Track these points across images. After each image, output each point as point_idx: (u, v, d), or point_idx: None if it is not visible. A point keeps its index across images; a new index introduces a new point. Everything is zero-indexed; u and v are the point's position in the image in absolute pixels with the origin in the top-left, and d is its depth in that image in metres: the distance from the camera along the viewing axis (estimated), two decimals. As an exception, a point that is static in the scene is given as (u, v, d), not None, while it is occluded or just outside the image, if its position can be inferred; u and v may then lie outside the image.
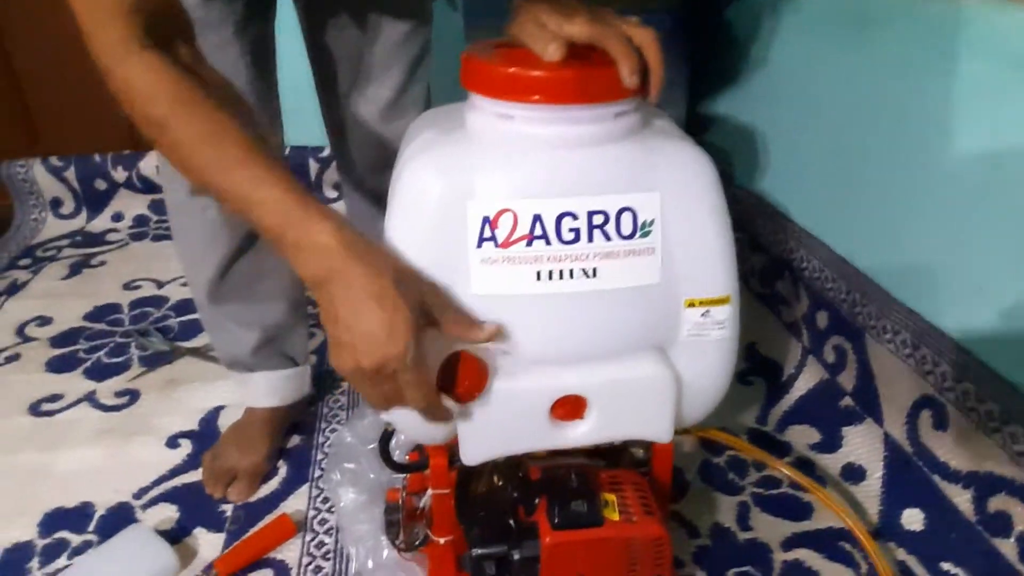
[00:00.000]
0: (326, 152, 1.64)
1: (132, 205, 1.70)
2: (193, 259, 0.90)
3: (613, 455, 0.72)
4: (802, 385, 1.06)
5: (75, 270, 1.51)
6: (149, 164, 1.67)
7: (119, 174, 1.68)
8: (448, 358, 0.56)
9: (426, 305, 0.53)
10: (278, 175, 0.51)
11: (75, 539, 0.87)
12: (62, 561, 0.84)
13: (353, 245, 0.51)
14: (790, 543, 0.84)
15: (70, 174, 1.67)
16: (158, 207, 1.70)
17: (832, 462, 0.94)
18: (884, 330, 0.93)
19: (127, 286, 1.44)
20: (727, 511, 0.89)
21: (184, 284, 1.38)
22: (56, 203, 1.70)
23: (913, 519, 0.84)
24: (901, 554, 0.81)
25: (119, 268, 1.51)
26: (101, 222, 1.69)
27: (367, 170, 0.94)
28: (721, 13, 1.32)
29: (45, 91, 1.66)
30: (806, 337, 1.10)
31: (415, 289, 0.53)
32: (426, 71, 0.90)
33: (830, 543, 0.84)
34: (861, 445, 0.94)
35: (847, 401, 0.99)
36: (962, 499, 0.80)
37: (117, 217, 1.70)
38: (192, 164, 0.53)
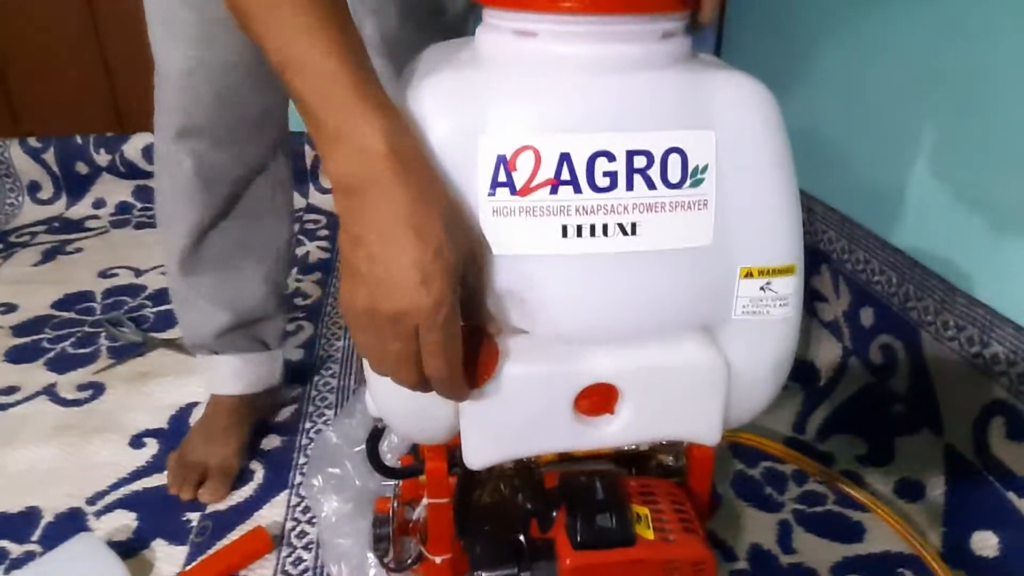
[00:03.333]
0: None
1: (115, 191, 1.60)
2: (167, 220, 0.80)
3: (638, 462, 0.61)
4: (844, 390, 0.95)
5: (48, 256, 1.40)
6: (134, 147, 1.57)
7: (102, 157, 1.58)
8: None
9: (470, 261, 0.42)
10: (342, 40, 0.39)
11: (15, 549, 0.76)
12: (-3, 575, 0.73)
13: (406, 157, 0.40)
14: (841, 568, 0.72)
15: (49, 156, 1.57)
16: (142, 193, 1.60)
17: (883, 477, 0.83)
18: (945, 326, 0.82)
19: (103, 274, 1.33)
20: (766, 530, 0.77)
21: (164, 273, 1.28)
22: (34, 187, 1.60)
23: (985, 543, 0.72)
24: (972, 584, 0.70)
25: (96, 256, 1.40)
26: (81, 208, 1.59)
27: None
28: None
29: (26, 69, 1.57)
30: (847, 336, 0.99)
31: (465, 236, 0.41)
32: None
33: (888, 569, 0.72)
34: (918, 457, 0.83)
35: (899, 408, 0.88)
36: (1045, 521, 0.69)
37: (98, 204, 1.60)
38: (240, 7, 0.40)
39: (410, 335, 0.40)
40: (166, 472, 0.85)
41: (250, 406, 0.90)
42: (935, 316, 0.83)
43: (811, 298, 1.07)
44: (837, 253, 1.02)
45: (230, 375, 0.88)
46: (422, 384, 0.43)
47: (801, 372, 1.01)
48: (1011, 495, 0.72)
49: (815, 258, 1.06)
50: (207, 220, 0.79)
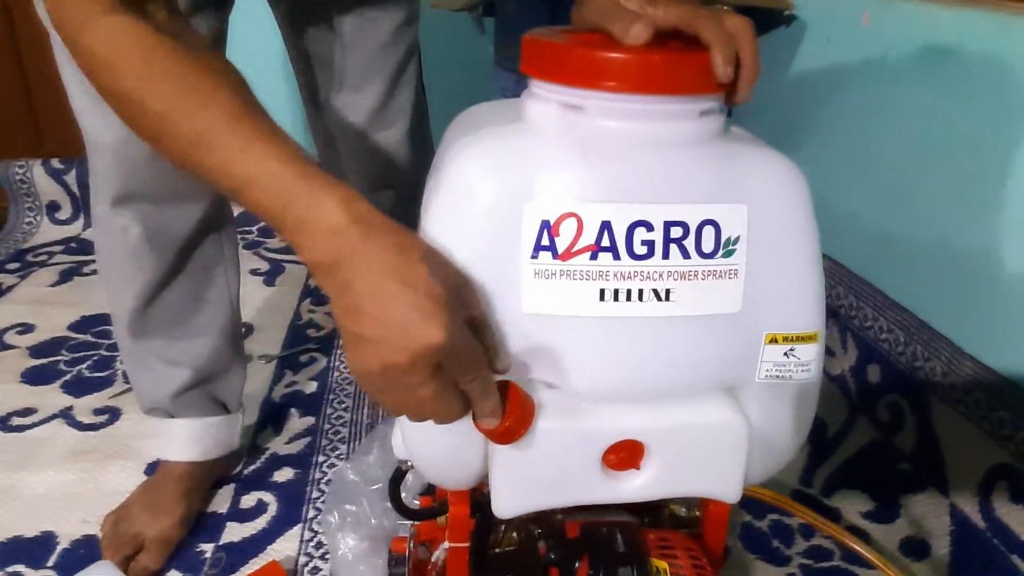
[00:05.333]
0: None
1: (133, 214, 1.62)
2: (114, 284, 0.78)
3: (652, 511, 0.63)
4: (851, 445, 0.96)
5: (65, 277, 1.42)
6: (154, 172, 1.60)
7: (122, 181, 1.60)
8: None
9: (463, 296, 0.43)
10: (273, 143, 0.42)
11: (30, 574, 0.77)
12: (12, 600, 0.74)
13: (368, 219, 0.42)
14: (848, 626, 0.73)
15: (71, 177, 1.60)
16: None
17: (889, 534, 0.84)
18: (952, 388, 0.84)
19: (119, 297, 1.35)
20: (774, 584, 0.78)
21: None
22: (53, 207, 1.62)
23: (989, 606, 0.73)
24: (977, 647, 0.71)
25: (112, 278, 1.42)
26: (98, 230, 1.61)
27: (361, 188, 0.85)
28: (765, 36, 1.26)
29: (52, 92, 1.60)
30: (854, 391, 1.01)
31: (449, 272, 0.44)
32: (413, 76, 0.83)
33: (894, 629, 0.73)
34: (923, 516, 0.84)
35: (905, 466, 0.89)
36: (1049, 586, 0.70)
37: (116, 225, 1.62)
38: (169, 141, 0.44)
39: (434, 373, 0.41)
40: (101, 535, 0.81)
41: (204, 473, 0.86)
42: (942, 378, 0.85)
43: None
44: (845, 309, 1.04)
45: (185, 440, 0.84)
46: (462, 412, 0.44)
47: (808, 425, 1.02)
48: (1015, 558, 0.74)
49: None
50: (157, 281, 0.76)
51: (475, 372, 0.43)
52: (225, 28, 0.72)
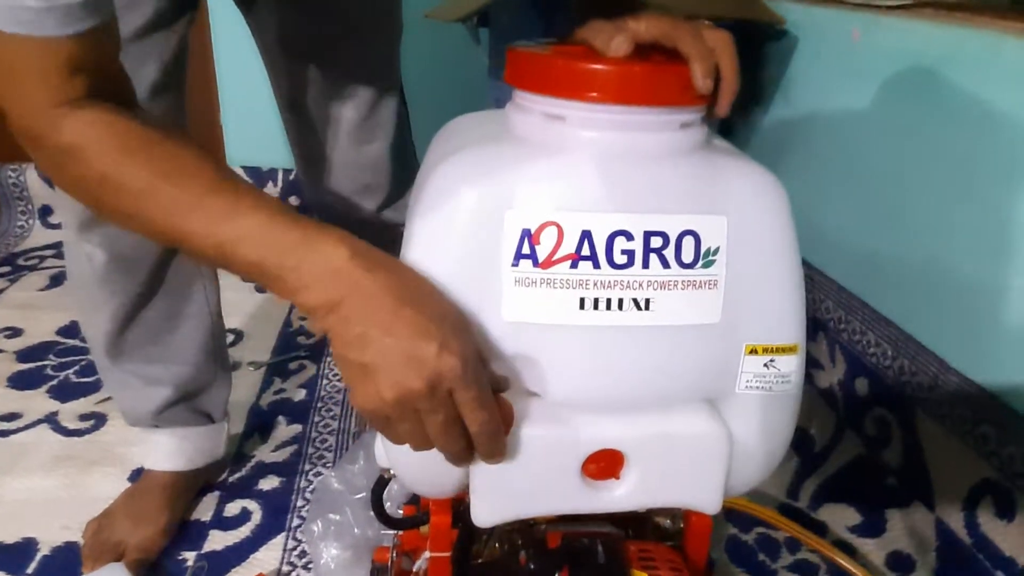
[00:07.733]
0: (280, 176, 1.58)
1: (125, 220, 1.62)
2: (87, 309, 0.77)
3: (635, 523, 0.63)
4: (838, 458, 0.96)
5: (55, 282, 1.42)
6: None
7: (115, 187, 1.61)
8: None
9: (465, 323, 0.44)
10: (258, 199, 0.43)
11: (10, 581, 0.76)
12: (-10, 607, 0.73)
13: (367, 255, 0.42)
14: (832, 641, 0.73)
15: (64, 183, 1.60)
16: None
17: (875, 548, 0.84)
18: (938, 403, 0.84)
19: (109, 303, 1.35)
20: (758, 598, 0.78)
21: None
22: (45, 211, 1.62)
23: (974, 622, 0.73)
24: (961, 663, 0.71)
25: (103, 283, 1.42)
26: (91, 235, 1.61)
27: (341, 195, 0.85)
28: (755, 51, 1.27)
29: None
30: (842, 405, 1.01)
31: (446, 300, 0.44)
32: (396, 90, 0.83)
33: (879, 644, 0.73)
34: (909, 531, 0.84)
35: (891, 481, 0.89)
36: (1033, 603, 0.70)
37: (108, 231, 1.62)
38: (149, 214, 0.43)
39: (447, 401, 0.41)
40: (82, 543, 0.80)
41: (188, 481, 0.86)
42: (928, 392, 0.85)
43: (807, 365, 1.09)
44: (834, 322, 1.04)
45: (169, 450, 0.84)
46: (467, 450, 0.44)
47: (796, 438, 1.02)
48: (1000, 574, 0.74)
49: (812, 326, 1.08)
50: (131, 303, 0.76)
51: (487, 405, 0.43)
52: (186, 39, 0.71)
